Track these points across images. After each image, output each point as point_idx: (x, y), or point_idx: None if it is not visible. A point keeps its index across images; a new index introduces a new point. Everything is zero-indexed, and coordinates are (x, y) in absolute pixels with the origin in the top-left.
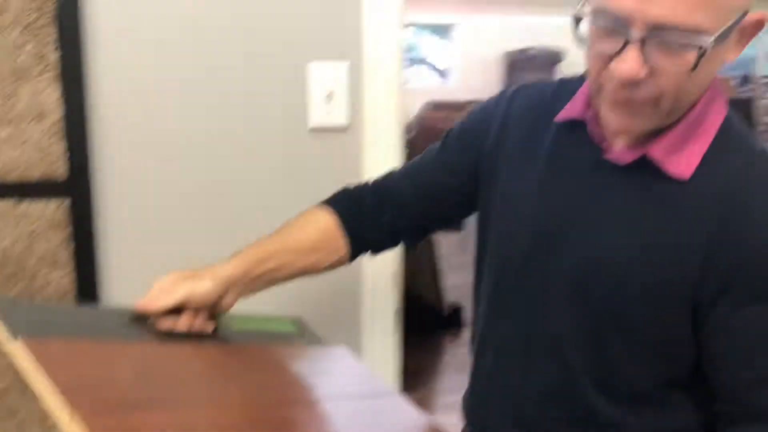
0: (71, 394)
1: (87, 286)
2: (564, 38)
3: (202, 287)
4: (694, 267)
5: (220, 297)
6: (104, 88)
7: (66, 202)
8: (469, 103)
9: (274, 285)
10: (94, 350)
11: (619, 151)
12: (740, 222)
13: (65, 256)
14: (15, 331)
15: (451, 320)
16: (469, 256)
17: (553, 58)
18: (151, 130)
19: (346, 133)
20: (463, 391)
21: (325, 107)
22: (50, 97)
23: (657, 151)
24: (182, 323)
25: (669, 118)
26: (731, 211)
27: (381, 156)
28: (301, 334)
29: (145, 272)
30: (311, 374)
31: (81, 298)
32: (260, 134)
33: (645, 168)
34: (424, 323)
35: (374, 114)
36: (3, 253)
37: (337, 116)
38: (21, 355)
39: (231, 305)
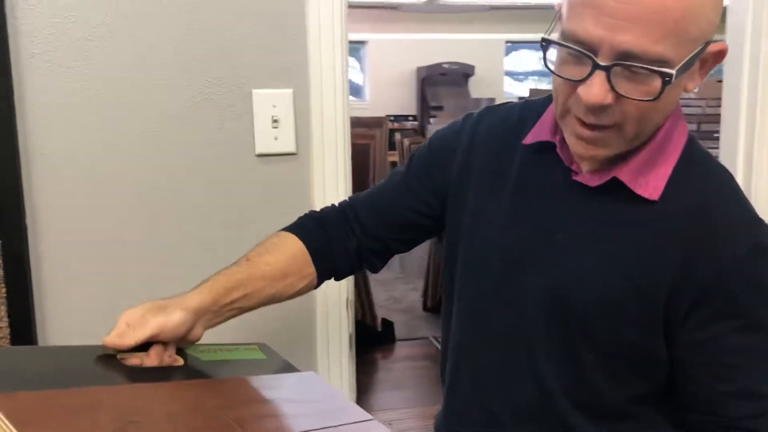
0: None
1: (23, 329)
2: (472, 54)
3: (173, 320)
4: (664, 285)
5: (190, 328)
6: (34, 119)
7: None
8: (384, 118)
9: (243, 313)
10: (68, 401)
11: (588, 173)
12: (709, 241)
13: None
14: None
15: (385, 336)
16: (393, 272)
17: (465, 71)
18: (90, 159)
19: (294, 159)
20: (398, 408)
21: (271, 133)
22: None
23: (624, 175)
24: (151, 358)
25: (633, 143)
26: (699, 230)
27: (330, 181)
28: (270, 358)
29: (85, 309)
30: (293, 407)
31: (16, 340)
32: (207, 161)
33: (614, 189)
34: (359, 340)
35: (321, 139)
36: None
37: (285, 142)
38: None
39: (200, 336)
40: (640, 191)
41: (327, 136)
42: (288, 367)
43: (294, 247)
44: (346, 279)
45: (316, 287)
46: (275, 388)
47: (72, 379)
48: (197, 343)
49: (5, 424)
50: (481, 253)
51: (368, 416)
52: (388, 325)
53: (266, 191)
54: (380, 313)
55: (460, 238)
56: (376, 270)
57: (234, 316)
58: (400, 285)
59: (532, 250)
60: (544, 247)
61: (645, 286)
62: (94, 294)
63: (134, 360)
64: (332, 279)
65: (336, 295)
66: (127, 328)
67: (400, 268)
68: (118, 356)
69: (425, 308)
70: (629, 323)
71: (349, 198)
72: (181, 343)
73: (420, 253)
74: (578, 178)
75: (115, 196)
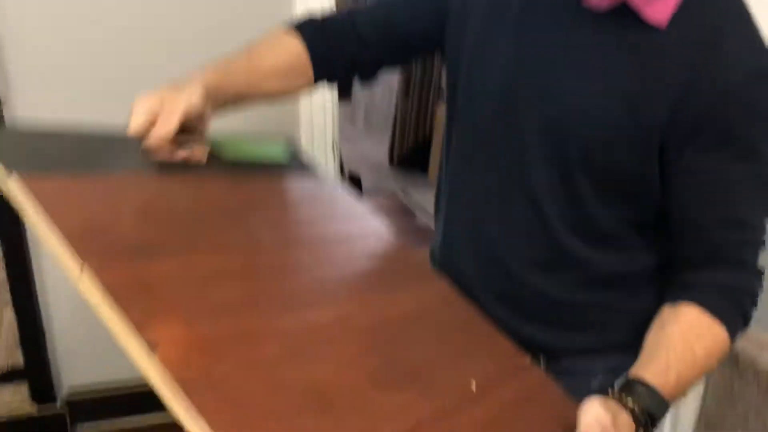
0: (77, 241)
1: None
2: None
3: (196, 95)
4: (664, 111)
5: (205, 109)
6: None
7: None
8: None
9: (238, 105)
10: (95, 187)
11: None
12: (714, 67)
13: None
14: (10, 165)
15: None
16: (358, 127)
17: None
18: None
19: None
20: None
21: None
22: None
23: None
24: (179, 153)
25: None
26: (704, 56)
27: None
28: (294, 159)
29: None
30: (310, 212)
31: None
32: None
33: (622, 16)
34: None
35: None
36: None
37: None
38: (19, 193)
39: (209, 120)
40: (650, 13)
41: None
42: (311, 169)
43: (294, 47)
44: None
45: (309, 90)
46: (296, 190)
47: (101, 166)
48: (221, 136)
49: (30, 204)
50: (482, 80)
51: (383, 225)
52: (354, 179)
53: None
54: (347, 168)
55: (462, 63)
56: (367, 81)
57: (232, 106)
58: (365, 140)
59: (537, 75)
60: (546, 76)
61: (645, 115)
62: None
63: (162, 152)
64: (326, 83)
65: (322, 139)
66: (154, 116)
67: (365, 123)
68: (144, 146)
69: (391, 162)
70: (625, 150)
71: (349, 8)
72: (198, 126)
73: (386, 107)
74: (587, 3)
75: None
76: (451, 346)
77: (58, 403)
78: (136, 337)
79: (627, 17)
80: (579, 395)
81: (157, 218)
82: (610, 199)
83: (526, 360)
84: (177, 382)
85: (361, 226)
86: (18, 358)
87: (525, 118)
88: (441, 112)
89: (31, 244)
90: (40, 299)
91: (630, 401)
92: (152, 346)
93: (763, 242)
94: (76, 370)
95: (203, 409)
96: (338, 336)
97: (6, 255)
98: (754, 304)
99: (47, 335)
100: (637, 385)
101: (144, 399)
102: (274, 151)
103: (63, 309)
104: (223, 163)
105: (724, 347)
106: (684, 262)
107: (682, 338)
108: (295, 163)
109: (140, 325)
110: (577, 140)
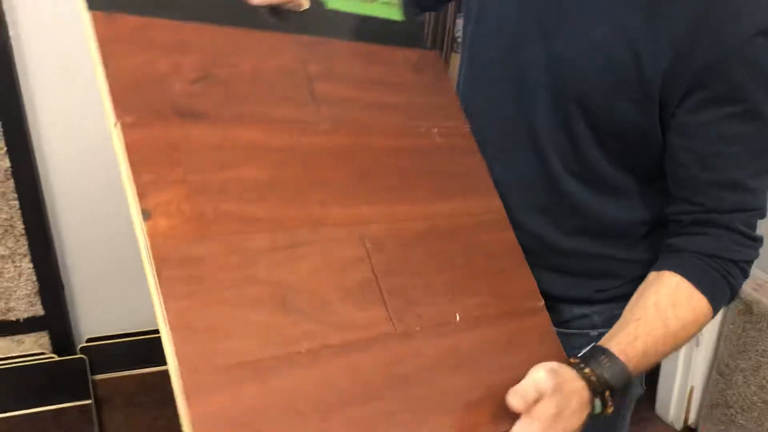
0: (124, 93)
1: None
2: None
3: None
4: (666, 61)
5: None
6: None
7: None
8: None
9: None
10: (167, 35)
11: None
12: (719, 20)
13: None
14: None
15: None
16: None
17: None
18: None
19: None
20: None
21: None
22: None
23: None
24: None
25: None
26: (711, 8)
27: None
28: (404, 22)
29: None
30: (389, 93)
31: None
32: None
33: None
34: None
35: None
36: None
37: None
38: (88, 30)
39: None
40: None
41: None
42: (418, 39)
43: None
44: None
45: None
46: (385, 64)
47: (174, 8)
48: None
49: (94, 44)
50: (491, 18)
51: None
52: None
53: None
54: None
55: (474, 3)
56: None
57: None
58: None
59: (541, 15)
60: (553, 12)
61: (647, 61)
62: None
63: None
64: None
65: None
66: None
67: None
68: None
69: None
70: (626, 99)
71: None
72: None
73: None
74: None
75: None
76: (468, 270)
77: (78, 352)
78: (135, 202)
79: None
80: (579, 346)
81: (216, 81)
82: (609, 147)
83: (538, 304)
84: (154, 258)
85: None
86: (38, 309)
87: (529, 56)
88: (455, 61)
89: (47, 195)
90: (58, 251)
91: (588, 370)
92: (145, 214)
93: (763, 210)
94: (94, 320)
95: (165, 290)
96: (349, 239)
97: (23, 207)
98: (745, 274)
99: (65, 286)
100: (600, 354)
101: (162, 348)
102: (386, 8)
103: (80, 259)
104: (325, 14)
105: (702, 318)
106: (675, 225)
107: (657, 308)
108: (405, 26)
109: (143, 191)
110: (577, 82)
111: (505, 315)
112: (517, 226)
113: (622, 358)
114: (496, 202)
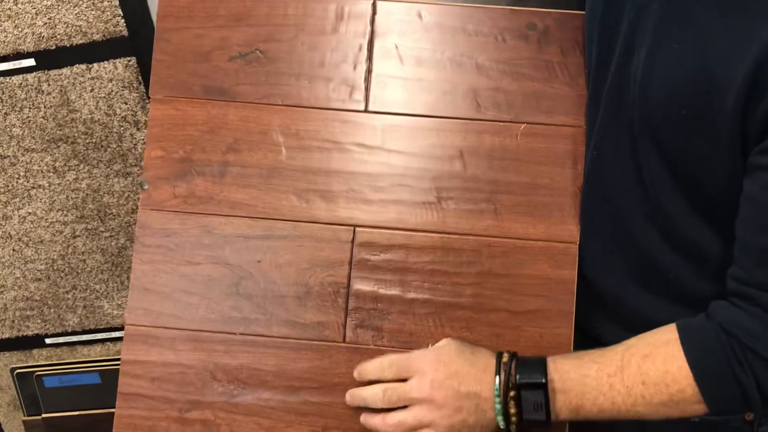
0: (163, 69)
1: None
2: None
3: None
4: (745, 78)
5: None
6: None
7: (132, 61)
8: None
9: None
10: (216, 4)
11: None
12: None
13: (143, 115)
14: None
15: None
16: None
17: None
18: None
19: None
20: None
21: None
22: None
23: None
24: None
25: None
26: None
27: None
28: None
29: None
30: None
31: None
32: None
33: None
34: None
35: None
36: (90, 119)
37: None
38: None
39: None
40: None
41: None
42: None
43: None
44: None
45: None
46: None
47: None
48: None
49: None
50: (587, 28)
51: None
52: None
53: None
54: None
55: None
56: None
57: None
58: None
59: (622, 29)
60: (632, 26)
61: (722, 76)
62: None
63: None
64: None
65: None
66: None
67: None
68: None
69: None
70: (692, 121)
71: None
72: None
73: None
74: None
75: None
76: (484, 299)
77: None
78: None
79: None
80: None
81: (259, 58)
82: (679, 183)
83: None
84: (137, 224)
85: None
86: None
87: (607, 73)
88: None
89: None
90: None
91: (506, 354)
92: (142, 185)
93: None
94: None
95: (137, 253)
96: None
97: None
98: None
99: None
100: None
101: None
102: None
103: None
104: None
105: (677, 392)
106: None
107: (625, 349)
108: None
109: (149, 164)
110: (642, 101)
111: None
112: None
113: (551, 371)
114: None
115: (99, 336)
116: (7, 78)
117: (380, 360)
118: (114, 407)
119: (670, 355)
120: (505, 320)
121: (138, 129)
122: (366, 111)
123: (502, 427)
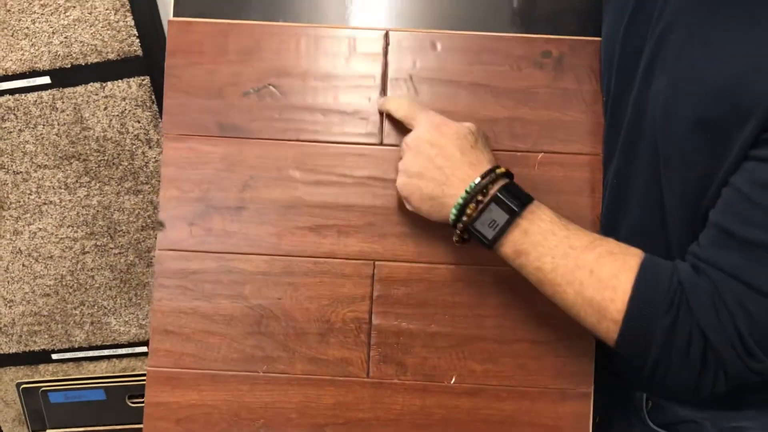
0: (173, 108)
1: None
2: None
3: None
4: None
5: None
6: None
7: (146, 80)
8: None
9: None
10: (242, 37)
11: None
12: None
13: (155, 134)
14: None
15: None
16: None
17: None
18: None
19: None
20: None
21: None
22: None
23: None
24: None
25: None
26: None
27: None
28: None
29: None
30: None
31: None
32: None
33: None
34: None
35: None
36: (103, 136)
37: None
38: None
39: None
40: None
41: None
42: None
43: None
44: None
45: None
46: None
47: (257, 8)
48: None
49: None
50: (604, 54)
51: None
52: None
53: None
54: None
55: None
56: None
57: None
58: None
59: (642, 51)
60: (653, 48)
61: (744, 98)
62: None
63: None
64: None
65: None
66: None
67: None
68: None
69: None
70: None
71: None
72: None
73: None
74: None
75: None
76: (504, 330)
77: None
78: None
79: None
80: None
81: (272, 93)
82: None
83: (585, 390)
84: (156, 265)
85: None
86: None
87: (628, 96)
88: None
89: None
90: None
91: (503, 169)
92: (159, 225)
93: None
94: None
95: (157, 294)
96: (355, 275)
97: None
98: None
99: None
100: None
101: None
102: None
103: None
104: None
105: (609, 301)
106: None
107: (593, 239)
108: None
109: (165, 204)
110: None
111: (526, 392)
112: None
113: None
114: None
115: (105, 352)
116: (23, 95)
117: (399, 101)
118: (118, 424)
119: (628, 266)
120: (528, 350)
121: (150, 147)
122: (381, 144)
123: (450, 219)
